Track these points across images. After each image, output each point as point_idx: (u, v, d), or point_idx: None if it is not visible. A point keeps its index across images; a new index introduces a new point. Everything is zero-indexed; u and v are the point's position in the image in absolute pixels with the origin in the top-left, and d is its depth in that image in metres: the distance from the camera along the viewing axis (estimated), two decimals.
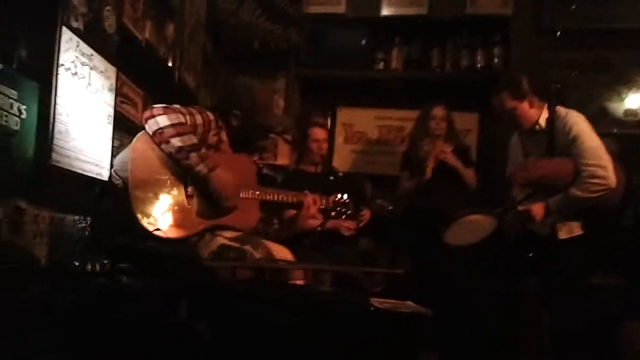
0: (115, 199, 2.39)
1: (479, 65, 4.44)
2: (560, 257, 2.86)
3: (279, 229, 2.85)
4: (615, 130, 4.03)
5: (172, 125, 2.32)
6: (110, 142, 2.56)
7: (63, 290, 1.73)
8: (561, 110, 2.95)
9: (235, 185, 2.52)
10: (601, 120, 3.97)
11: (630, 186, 2.91)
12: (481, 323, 3.08)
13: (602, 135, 2.92)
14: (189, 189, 2.44)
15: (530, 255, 2.97)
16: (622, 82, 4.13)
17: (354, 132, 4.90)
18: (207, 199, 2.47)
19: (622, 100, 4.12)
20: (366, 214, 3.37)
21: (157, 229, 2.27)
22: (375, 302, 1.94)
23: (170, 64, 3.24)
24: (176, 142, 2.32)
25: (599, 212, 2.81)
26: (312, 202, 2.82)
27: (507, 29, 4.33)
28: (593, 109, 4.04)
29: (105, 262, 1.81)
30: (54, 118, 2.10)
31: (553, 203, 2.83)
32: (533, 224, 2.88)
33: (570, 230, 2.88)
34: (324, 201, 2.91)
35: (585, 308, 2.85)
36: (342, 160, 4.81)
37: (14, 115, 1.96)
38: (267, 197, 2.70)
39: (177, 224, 2.37)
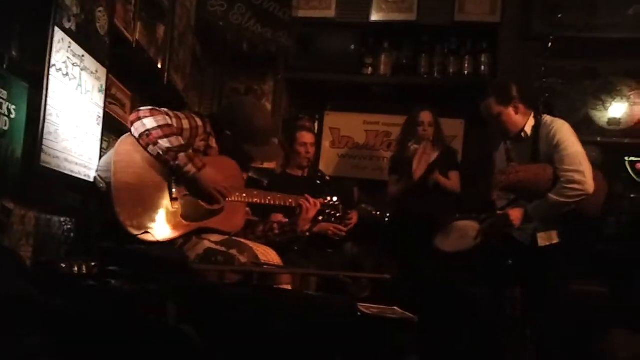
0: (101, 202, 2.38)
1: (466, 72, 4.49)
2: (540, 265, 2.88)
3: (280, 234, 2.82)
4: (598, 139, 4.10)
5: (160, 127, 2.30)
6: (99, 144, 2.55)
7: (50, 292, 1.72)
8: (547, 118, 2.97)
9: (224, 184, 2.50)
10: (586, 129, 4.03)
11: (612, 195, 2.95)
12: (466, 330, 3.10)
13: (585, 143, 2.95)
14: (174, 192, 2.40)
15: (510, 262, 2.99)
16: (607, 91, 4.20)
17: (341, 136, 4.93)
18: (192, 202, 2.45)
19: (607, 109, 4.19)
20: (354, 216, 3.39)
21: (143, 232, 2.26)
22: (362, 307, 1.95)
23: (159, 66, 3.23)
24: (164, 143, 2.30)
25: (581, 220, 2.83)
26: (312, 205, 2.81)
27: (495, 36, 4.39)
28: (578, 118, 4.11)
29: (93, 264, 1.81)
30: (43, 119, 2.09)
31: (532, 208, 2.85)
32: (512, 229, 2.89)
33: (549, 238, 2.89)
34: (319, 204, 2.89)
35: (567, 316, 2.87)
36: (329, 164, 4.84)
37: (4, 115, 1.94)
38: (254, 200, 2.68)
39: (162, 226, 2.35)
